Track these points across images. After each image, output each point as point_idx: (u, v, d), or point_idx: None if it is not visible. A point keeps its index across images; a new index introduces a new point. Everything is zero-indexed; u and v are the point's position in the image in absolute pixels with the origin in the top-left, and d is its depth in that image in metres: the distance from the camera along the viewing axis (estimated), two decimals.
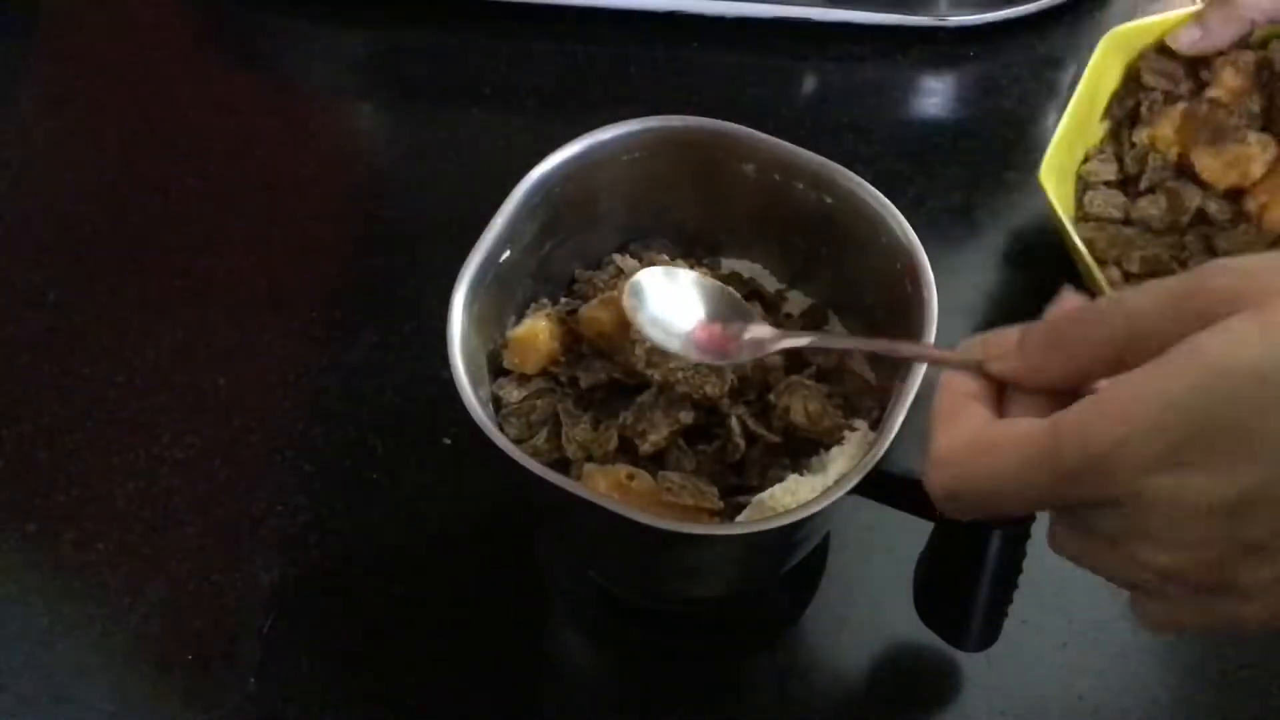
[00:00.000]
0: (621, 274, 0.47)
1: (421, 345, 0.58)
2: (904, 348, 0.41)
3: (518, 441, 0.44)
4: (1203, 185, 0.57)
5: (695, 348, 0.42)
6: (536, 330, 0.46)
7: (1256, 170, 0.56)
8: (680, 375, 0.43)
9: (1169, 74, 0.59)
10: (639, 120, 0.46)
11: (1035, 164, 0.57)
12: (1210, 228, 0.57)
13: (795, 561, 0.47)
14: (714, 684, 0.50)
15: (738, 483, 0.44)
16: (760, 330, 0.43)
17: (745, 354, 0.42)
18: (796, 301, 0.49)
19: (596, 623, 0.52)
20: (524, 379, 0.46)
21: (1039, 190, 0.56)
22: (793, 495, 0.42)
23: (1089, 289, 0.56)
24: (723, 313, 0.43)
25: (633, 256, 0.48)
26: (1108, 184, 0.59)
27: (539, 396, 0.45)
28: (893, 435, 0.39)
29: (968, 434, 0.32)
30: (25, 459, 0.55)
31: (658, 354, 0.43)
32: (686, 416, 0.43)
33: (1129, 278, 0.56)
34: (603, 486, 0.42)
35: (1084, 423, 0.29)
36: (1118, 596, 0.51)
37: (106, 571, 0.52)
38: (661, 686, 0.50)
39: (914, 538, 0.45)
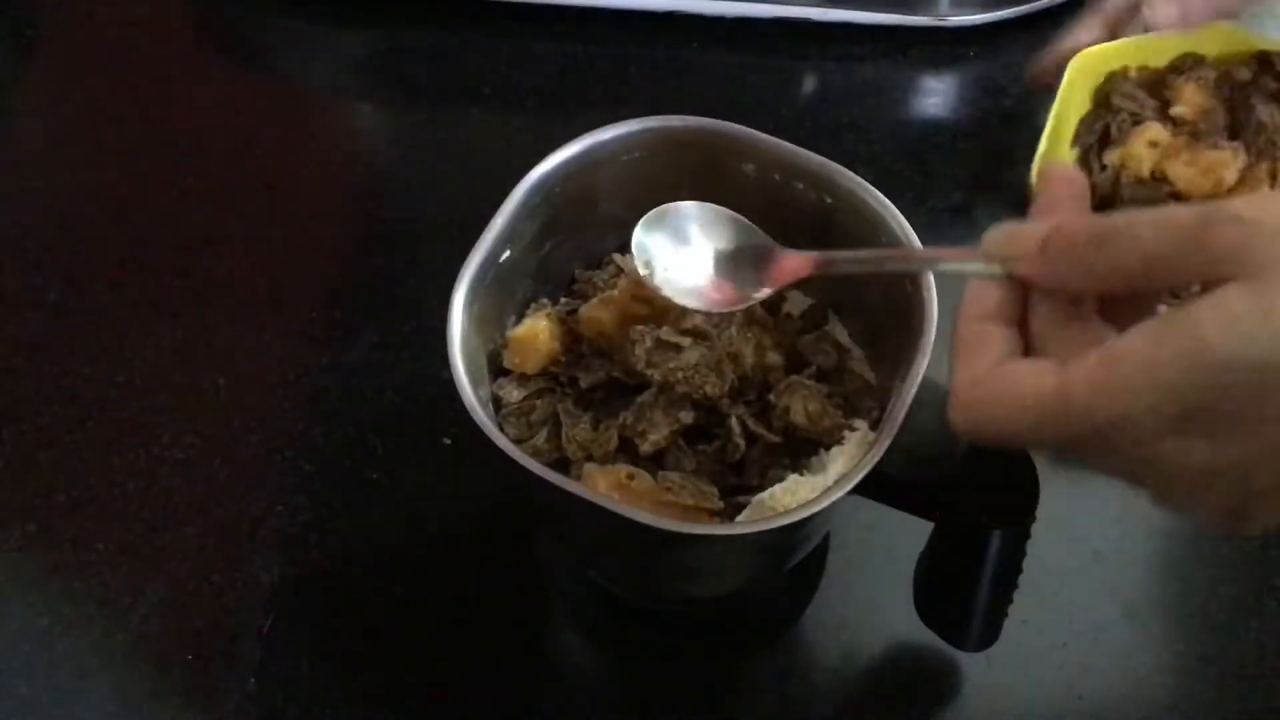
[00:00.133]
0: (621, 273, 0.47)
1: (421, 345, 0.58)
2: (920, 253, 0.41)
3: (518, 441, 0.44)
4: (1177, 197, 0.58)
5: (712, 303, 0.42)
6: (536, 330, 0.46)
7: (1229, 177, 0.57)
8: (680, 375, 0.43)
9: (1133, 95, 0.60)
10: (639, 120, 0.46)
11: (1035, 165, 0.57)
12: None
13: (795, 561, 0.47)
14: (714, 684, 0.50)
15: (738, 483, 0.44)
16: (774, 269, 0.41)
17: (763, 293, 0.42)
18: (796, 301, 0.49)
19: (596, 623, 0.52)
20: (524, 379, 0.46)
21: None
22: (793, 495, 0.42)
23: None
24: (732, 263, 0.42)
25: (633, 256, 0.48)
26: None
27: (539, 396, 0.45)
28: (893, 435, 0.39)
29: (986, 371, 0.33)
30: (25, 459, 0.55)
31: (658, 354, 0.43)
32: (686, 416, 0.43)
33: None
34: (603, 486, 0.42)
35: (1090, 393, 0.30)
36: (1118, 597, 0.51)
37: (106, 571, 0.52)
38: (661, 686, 0.50)
39: (914, 538, 0.46)
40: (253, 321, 0.60)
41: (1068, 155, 0.61)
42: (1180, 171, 0.58)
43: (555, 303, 0.48)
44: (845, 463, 0.42)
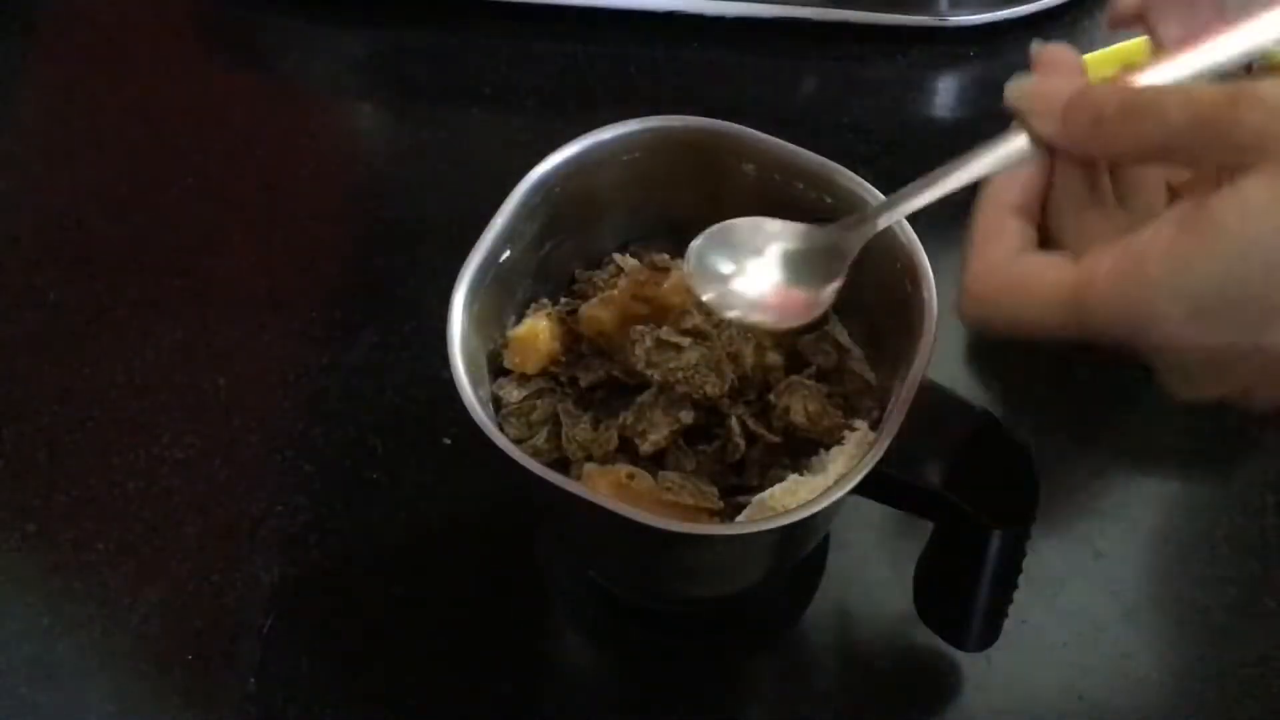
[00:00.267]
0: (621, 273, 0.47)
1: (421, 345, 0.58)
2: (965, 161, 0.39)
3: (518, 441, 0.44)
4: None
5: (771, 312, 0.40)
6: (536, 330, 0.46)
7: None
8: (680, 375, 0.43)
9: None
10: (639, 120, 0.46)
11: None
12: None
13: (795, 561, 0.47)
14: (714, 684, 0.50)
15: (738, 483, 0.44)
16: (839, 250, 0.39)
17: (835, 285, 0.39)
18: None
19: (596, 623, 0.52)
20: (524, 379, 0.46)
21: None
22: (793, 495, 0.42)
23: None
24: (800, 270, 0.40)
25: (633, 256, 0.48)
26: None
27: (539, 396, 0.45)
28: (893, 435, 0.39)
29: (1000, 262, 0.33)
30: (25, 459, 0.55)
31: (658, 353, 0.43)
32: (686, 416, 0.43)
33: None
34: (603, 486, 0.42)
35: (1111, 287, 0.30)
36: (1118, 597, 0.51)
37: (106, 571, 0.52)
38: (661, 686, 0.50)
39: (914, 538, 0.46)
40: (253, 321, 0.60)
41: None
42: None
43: (555, 303, 0.48)
44: (845, 463, 0.42)
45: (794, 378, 0.45)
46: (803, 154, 0.46)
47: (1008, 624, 0.45)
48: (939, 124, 0.70)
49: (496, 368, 0.46)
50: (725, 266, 0.40)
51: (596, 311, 0.45)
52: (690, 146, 0.47)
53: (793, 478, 0.42)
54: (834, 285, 0.39)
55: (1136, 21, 0.38)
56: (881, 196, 0.45)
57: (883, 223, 0.39)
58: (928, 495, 0.41)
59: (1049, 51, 0.36)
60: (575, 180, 0.46)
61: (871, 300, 0.46)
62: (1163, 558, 0.53)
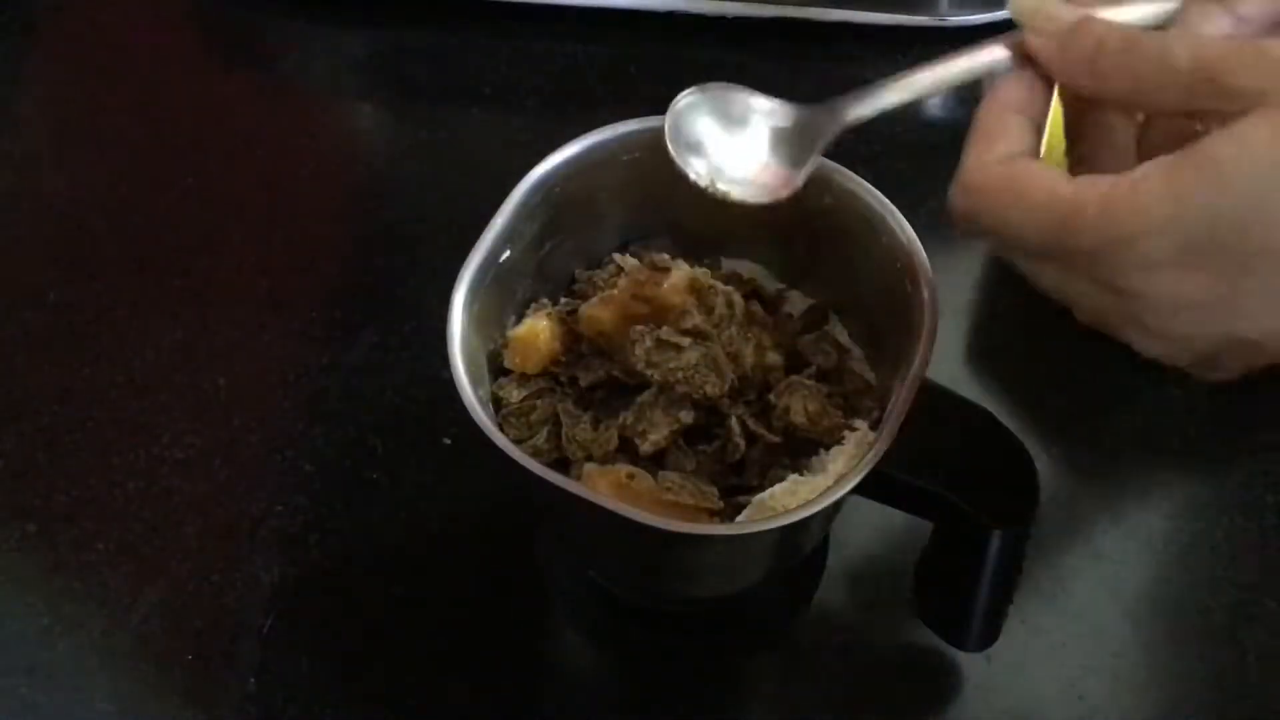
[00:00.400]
0: (621, 273, 0.47)
1: (421, 345, 0.58)
2: (944, 63, 0.39)
3: (518, 441, 0.44)
4: None
5: (758, 189, 0.40)
6: (536, 330, 0.46)
7: None
8: (680, 375, 0.43)
9: None
10: (639, 120, 0.46)
11: None
12: None
13: (795, 561, 0.47)
14: (714, 684, 0.50)
15: (738, 483, 0.44)
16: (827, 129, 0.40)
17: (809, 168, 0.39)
18: (796, 301, 0.49)
19: (596, 623, 0.52)
20: (524, 379, 0.46)
21: None
22: (793, 495, 0.42)
23: None
24: (775, 146, 0.41)
25: (633, 256, 0.48)
26: None
27: (539, 396, 0.45)
28: (893, 435, 0.39)
29: (999, 159, 0.33)
30: (25, 459, 0.55)
31: (657, 353, 0.43)
32: (687, 416, 0.43)
33: None
34: (603, 486, 0.42)
35: (1103, 211, 0.30)
36: (1118, 597, 0.51)
37: (106, 571, 0.52)
38: (661, 686, 0.50)
39: (914, 538, 0.46)
40: (253, 321, 0.60)
41: (1064, 163, 0.61)
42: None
43: (555, 303, 0.48)
44: (845, 463, 0.42)
45: (794, 378, 0.45)
46: None
47: (1008, 624, 0.45)
48: (939, 124, 0.69)
49: (496, 368, 0.46)
50: (702, 135, 0.41)
51: (596, 311, 0.45)
52: None
53: (793, 478, 0.42)
54: (806, 169, 0.40)
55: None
56: (881, 196, 0.45)
57: (852, 115, 0.40)
58: (928, 495, 0.41)
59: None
60: (575, 180, 0.46)
61: (871, 300, 0.46)
62: (1163, 558, 0.53)
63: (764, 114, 0.41)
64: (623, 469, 0.43)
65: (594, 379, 0.45)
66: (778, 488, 0.42)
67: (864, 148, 0.66)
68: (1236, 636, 0.50)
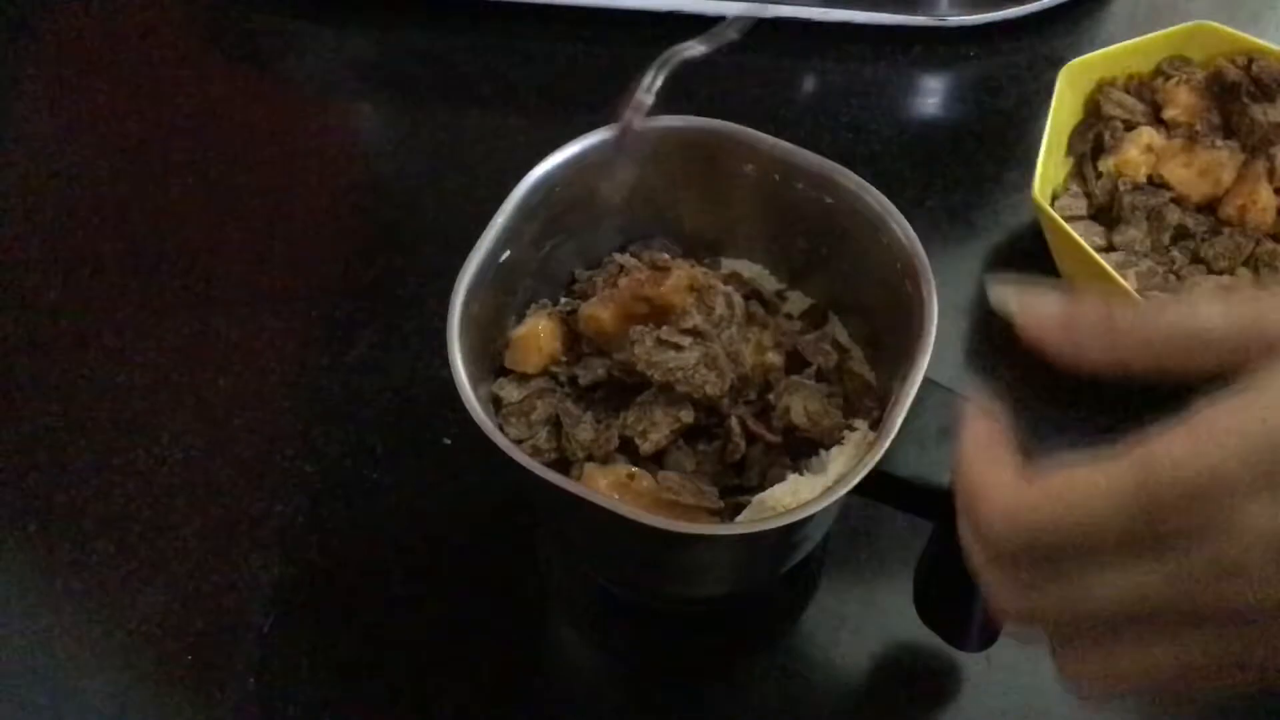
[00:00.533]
0: (622, 272, 0.47)
1: (421, 345, 0.58)
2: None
3: (518, 441, 0.44)
4: (1176, 201, 0.58)
5: None
6: (536, 330, 0.46)
7: (1227, 177, 0.57)
8: (680, 375, 0.43)
9: (1124, 103, 0.60)
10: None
11: (1035, 164, 0.57)
12: (1192, 240, 0.57)
13: (795, 561, 0.47)
14: (714, 684, 0.50)
15: (738, 483, 0.44)
16: None
17: None
18: (796, 301, 0.49)
19: (596, 623, 0.52)
20: (524, 379, 0.46)
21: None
22: (793, 495, 0.42)
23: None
24: None
25: (633, 256, 0.48)
26: (1080, 218, 0.59)
27: (539, 396, 0.45)
28: (893, 435, 0.39)
29: (1024, 473, 0.31)
30: (25, 459, 0.55)
31: (657, 353, 0.43)
32: (687, 416, 0.43)
33: None
34: (603, 486, 0.42)
35: (1175, 450, 0.28)
36: None
37: (106, 571, 0.52)
38: (661, 686, 0.50)
39: (914, 538, 0.46)
40: (253, 321, 0.60)
41: (1063, 167, 0.61)
42: (1178, 174, 0.58)
43: (555, 303, 0.48)
44: (845, 463, 0.42)
45: (794, 378, 0.45)
46: (803, 154, 0.46)
47: (1007, 624, 0.45)
48: (939, 124, 0.70)
49: (497, 368, 0.46)
50: None
51: (596, 311, 0.45)
52: (690, 146, 0.47)
53: (793, 478, 0.42)
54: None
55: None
56: (882, 196, 0.45)
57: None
58: (928, 495, 0.41)
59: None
60: (575, 180, 0.46)
61: (871, 300, 0.46)
62: None
63: None
64: (623, 469, 0.43)
65: (594, 379, 0.45)
66: (778, 488, 0.42)
67: (864, 148, 0.66)
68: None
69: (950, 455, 0.35)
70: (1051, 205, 0.58)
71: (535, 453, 0.44)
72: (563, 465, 0.44)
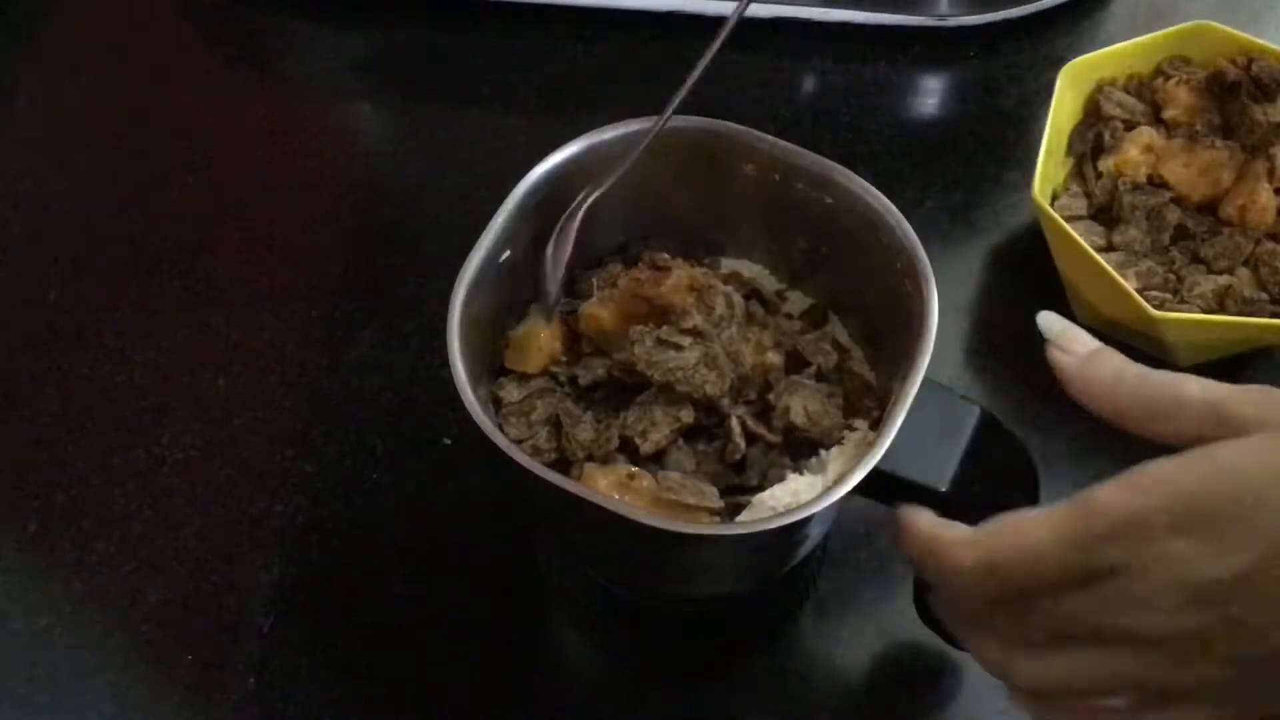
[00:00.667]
0: (623, 272, 0.47)
1: (421, 345, 0.58)
2: None
3: (518, 441, 0.44)
4: (1175, 201, 0.58)
5: None
6: (537, 330, 0.46)
7: (1227, 178, 0.57)
8: (680, 375, 0.43)
9: (1124, 103, 0.60)
10: (639, 120, 0.46)
11: (1035, 164, 0.57)
12: (1192, 240, 0.57)
13: (795, 561, 0.47)
14: (714, 684, 0.50)
15: (738, 483, 0.44)
16: None
17: None
18: (796, 301, 0.49)
19: (596, 623, 0.52)
20: (524, 379, 0.46)
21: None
22: (793, 495, 0.42)
23: (1091, 292, 0.56)
24: None
25: (633, 256, 0.48)
26: (1080, 218, 0.59)
27: (539, 396, 0.45)
28: (892, 435, 0.39)
29: (965, 532, 0.37)
30: (25, 459, 0.55)
31: (657, 353, 0.43)
32: (687, 415, 0.43)
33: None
34: (603, 486, 0.42)
35: (1110, 495, 0.34)
36: None
37: (106, 571, 0.52)
38: (662, 686, 0.50)
39: None
40: (253, 321, 0.60)
41: (1063, 167, 0.61)
42: (1178, 174, 0.58)
43: (555, 303, 0.48)
44: (845, 463, 0.42)
45: (794, 377, 0.45)
46: (803, 154, 0.46)
47: None
48: (939, 124, 0.70)
49: (497, 368, 0.46)
50: None
51: (596, 311, 0.45)
52: (690, 146, 0.47)
53: (793, 477, 0.42)
54: None
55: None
56: (882, 196, 0.45)
57: None
58: (928, 495, 0.41)
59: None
60: (576, 180, 0.46)
61: (871, 300, 0.46)
62: None
63: None
64: (623, 469, 0.43)
65: (594, 379, 0.45)
66: (777, 488, 0.42)
67: (864, 148, 0.66)
68: None
69: (903, 539, 0.39)
70: (1051, 205, 0.58)
71: (535, 453, 0.44)
72: (563, 465, 0.44)
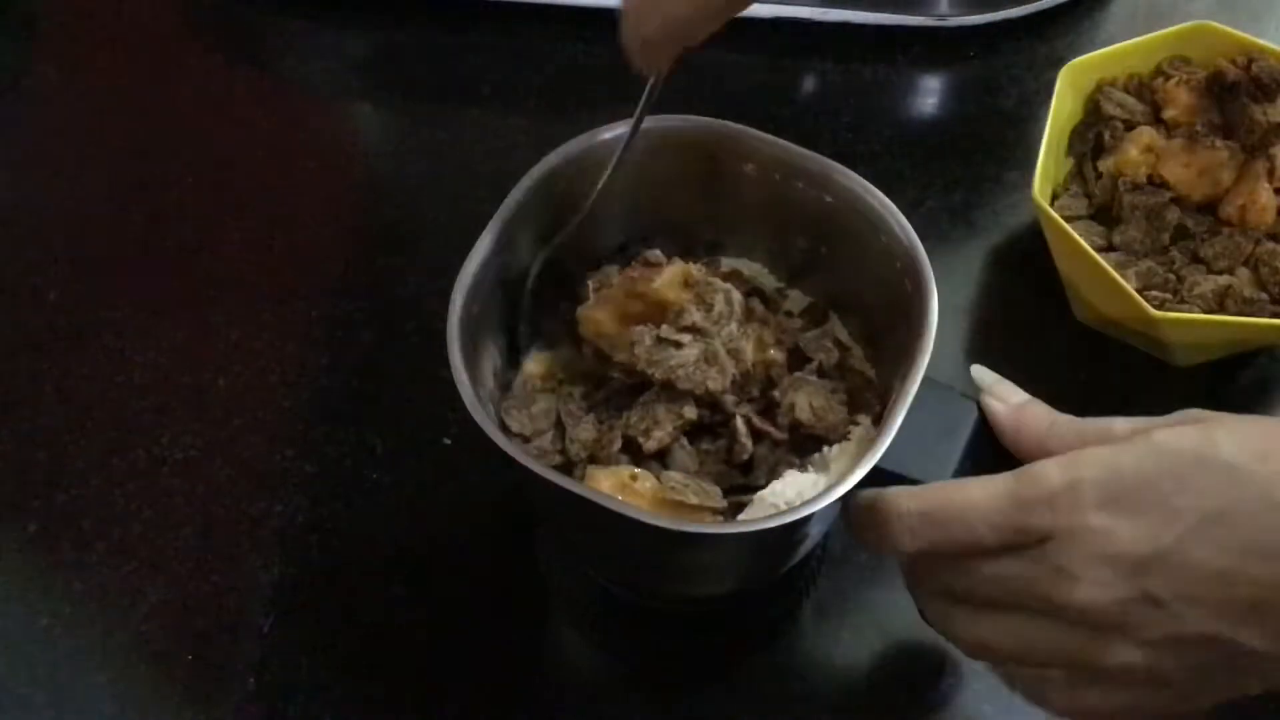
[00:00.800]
0: (621, 273, 0.47)
1: (421, 345, 0.58)
2: None
3: (518, 435, 0.44)
4: (1175, 201, 0.58)
5: None
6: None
7: (1227, 177, 0.57)
8: (681, 372, 0.43)
9: (1124, 103, 0.60)
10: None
11: (1035, 164, 0.57)
12: (1192, 240, 0.57)
13: (796, 561, 0.47)
14: (714, 684, 0.50)
15: (744, 481, 0.44)
16: None
17: None
18: (796, 300, 0.49)
19: (596, 623, 0.52)
20: (525, 378, 0.46)
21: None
22: (796, 492, 0.42)
23: (1091, 292, 0.56)
24: None
25: (631, 256, 0.48)
26: (1080, 218, 0.59)
27: (540, 396, 0.45)
28: (892, 434, 0.39)
29: (910, 494, 0.39)
30: (25, 459, 0.55)
31: (658, 351, 0.43)
32: (690, 412, 0.43)
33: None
34: (606, 487, 0.42)
35: (1044, 467, 0.36)
36: None
37: (106, 571, 0.52)
38: (661, 686, 0.50)
39: None
40: (253, 321, 0.60)
41: (1063, 167, 0.61)
42: (1178, 174, 0.58)
43: (555, 305, 0.48)
44: (846, 460, 0.42)
45: (797, 374, 0.45)
46: (803, 154, 0.46)
47: None
48: (939, 124, 0.70)
49: (498, 367, 0.46)
50: None
51: (594, 314, 0.45)
52: (690, 146, 0.47)
53: (792, 474, 0.42)
54: None
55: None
56: (882, 196, 0.45)
57: None
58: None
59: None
60: (575, 180, 0.46)
61: (871, 299, 0.46)
62: None
63: None
64: (625, 470, 0.43)
65: (595, 379, 0.45)
66: (778, 484, 0.42)
67: (864, 148, 0.66)
68: None
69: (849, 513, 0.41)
70: (1051, 205, 0.57)
71: (541, 454, 0.44)
72: (565, 467, 0.44)
